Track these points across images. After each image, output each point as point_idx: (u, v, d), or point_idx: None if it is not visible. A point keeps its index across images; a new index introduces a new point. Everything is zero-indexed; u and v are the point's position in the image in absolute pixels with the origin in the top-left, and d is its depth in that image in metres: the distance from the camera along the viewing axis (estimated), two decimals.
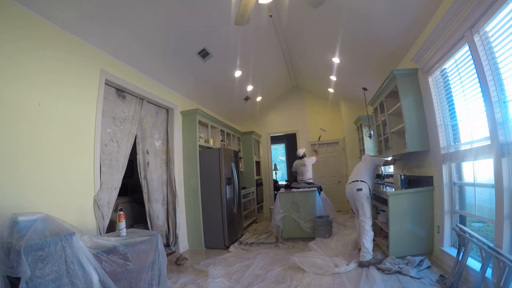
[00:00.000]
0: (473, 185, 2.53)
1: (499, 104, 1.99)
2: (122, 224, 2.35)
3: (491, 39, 2.01)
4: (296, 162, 5.93)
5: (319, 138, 6.67)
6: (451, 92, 2.76)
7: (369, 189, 3.42)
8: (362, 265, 3.07)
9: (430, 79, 3.04)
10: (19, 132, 2.12)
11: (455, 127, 2.80)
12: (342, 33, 3.79)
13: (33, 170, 2.20)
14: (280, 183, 9.16)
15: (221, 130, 5.85)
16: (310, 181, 5.65)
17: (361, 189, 3.37)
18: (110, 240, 2.05)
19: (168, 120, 4.47)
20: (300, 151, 5.98)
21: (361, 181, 3.43)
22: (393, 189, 3.41)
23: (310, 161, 5.71)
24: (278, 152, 10.89)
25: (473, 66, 2.19)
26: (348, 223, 5.25)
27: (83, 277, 1.67)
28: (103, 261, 1.86)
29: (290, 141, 9.67)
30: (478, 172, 2.46)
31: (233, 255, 3.97)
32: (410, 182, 3.69)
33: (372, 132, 5.04)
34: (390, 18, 3.07)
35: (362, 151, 6.06)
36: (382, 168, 5.51)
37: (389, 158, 4.24)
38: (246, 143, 7.18)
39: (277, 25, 4.47)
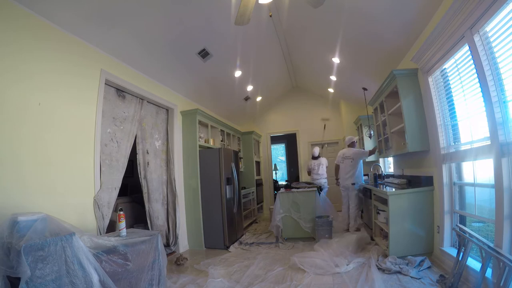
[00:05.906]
0: (473, 185, 2.53)
1: (499, 104, 1.99)
2: (122, 224, 2.34)
3: (491, 39, 2.01)
4: (312, 162, 6.17)
5: (324, 127, 7.32)
6: (451, 92, 2.76)
7: (358, 184, 4.83)
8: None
9: (430, 79, 3.04)
10: (20, 133, 2.12)
11: (455, 127, 2.80)
12: (342, 33, 3.79)
13: (34, 170, 2.20)
14: (280, 183, 9.16)
15: (221, 130, 5.85)
16: (323, 179, 6.02)
17: (354, 184, 4.81)
18: (110, 240, 2.05)
19: (168, 120, 4.47)
20: (316, 150, 6.13)
21: (352, 177, 4.81)
22: (393, 189, 3.41)
23: (324, 161, 6.21)
24: (278, 152, 10.89)
25: (473, 66, 2.19)
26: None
27: (83, 277, 1.67)
28: (103, 261, 1.86)
29: (290, 141, 9.66)
30: (478, 172, 2.46)
31: (233, 255, 3.97)
32: (410, 182, 3.70)
33: (372, 132, 5.05)
34: (390, 18, 3.07)
35: None
36: (382, 167, 5.51)
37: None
38: (246, 143, 7.18)
39: (277, 25, 4.47)
